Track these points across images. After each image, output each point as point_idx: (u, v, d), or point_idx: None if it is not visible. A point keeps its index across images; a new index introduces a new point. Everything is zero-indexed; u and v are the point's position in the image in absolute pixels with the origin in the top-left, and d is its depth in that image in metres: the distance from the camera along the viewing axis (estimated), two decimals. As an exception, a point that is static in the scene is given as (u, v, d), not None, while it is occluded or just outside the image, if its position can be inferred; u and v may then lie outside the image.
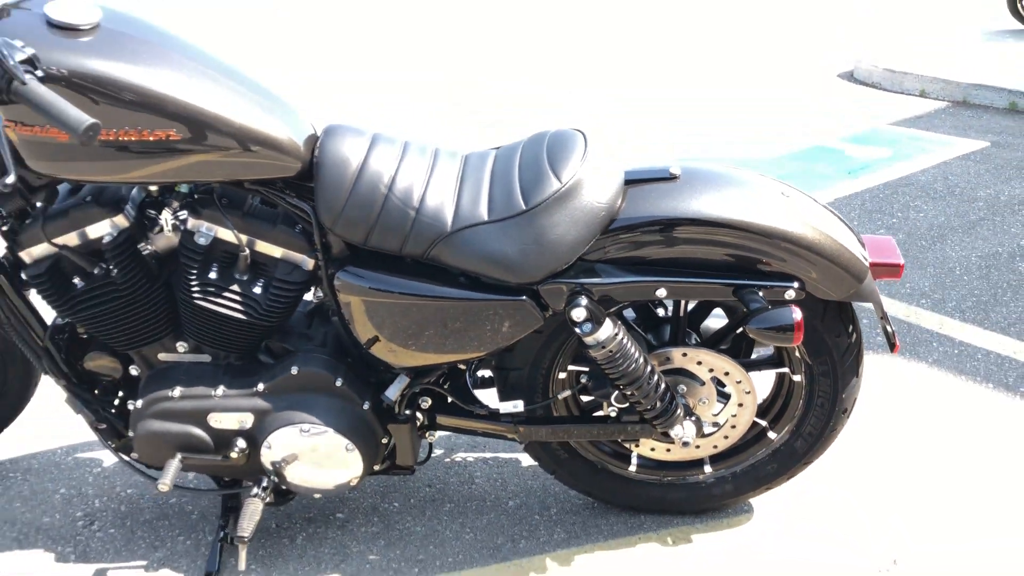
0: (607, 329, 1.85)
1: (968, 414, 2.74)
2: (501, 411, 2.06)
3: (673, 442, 2.08)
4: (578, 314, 1.83)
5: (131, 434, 2.04)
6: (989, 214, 4.31)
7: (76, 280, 1.91)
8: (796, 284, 1.88)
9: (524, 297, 1.85)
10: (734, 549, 2.21)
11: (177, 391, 1.98)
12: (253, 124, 1.75)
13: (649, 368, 1.93)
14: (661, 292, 1.87)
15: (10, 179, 1.55)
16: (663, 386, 1.96)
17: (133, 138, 1.68)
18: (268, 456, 2.00)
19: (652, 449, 2.17)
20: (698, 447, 2.16)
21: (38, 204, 1.88)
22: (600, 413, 2.16)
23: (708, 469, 2.23)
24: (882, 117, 6.05)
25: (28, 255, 1.90)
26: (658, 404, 1.96)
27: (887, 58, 6.99)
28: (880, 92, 6.75)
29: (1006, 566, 2.16)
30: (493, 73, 7.36)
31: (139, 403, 1.99)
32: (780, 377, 2.17)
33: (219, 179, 1.80)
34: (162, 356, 2.03)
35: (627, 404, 2.02)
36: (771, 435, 2.19)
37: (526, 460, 2.53)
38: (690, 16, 10.08)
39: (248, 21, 9.45)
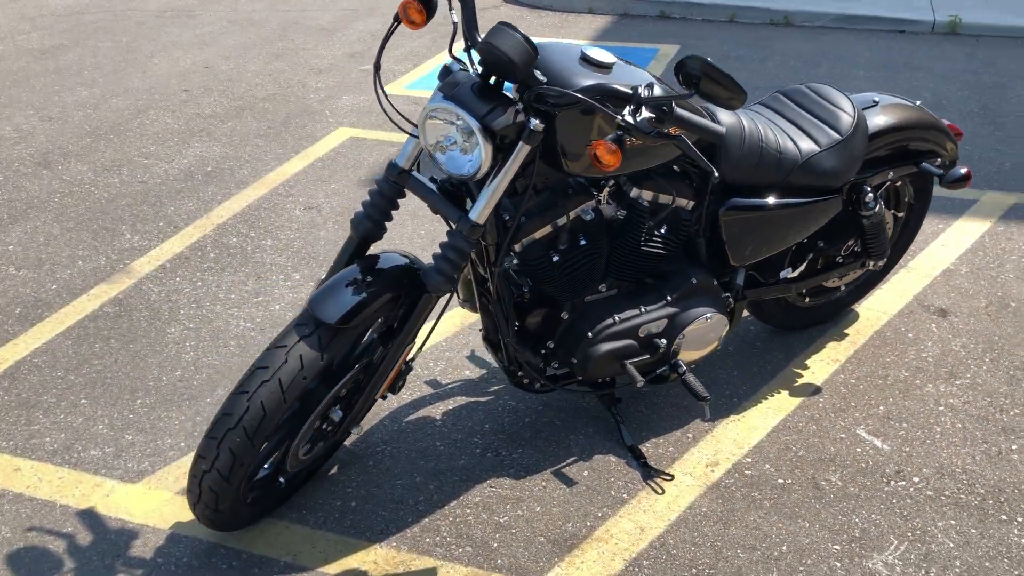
0: (879, 203, 3.00)
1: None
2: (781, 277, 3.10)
3: (864, 269, 3.27)
4: (868, 198, 2.95)
5: (574, 361, 2.71)
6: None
7: (552, 255, 2.56)
8: (940, 155, 3.16)
9: (837, 195, 2.91)
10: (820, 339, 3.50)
11: (616, 318, 2.71)
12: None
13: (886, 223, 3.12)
14: (891, 174, 3.06)
15: (716, 178, 2.23)
16: (887, 233, 3.16)
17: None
18: (678, 344, 2.82)
19: (832, 283, 3.34)
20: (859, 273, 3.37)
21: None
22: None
23: (843, 287, 3.47)
24: (578, 36, 7.37)
25: (520, 245, 2.51)
26: (881, 245, 3.15)
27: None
28: (552, 13, 8.03)
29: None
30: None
31: (588, 335, 2.68)
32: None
33: (664, 160, 2.57)
34: (588, 298, 2.73)
35: (856, 251, 3.18)
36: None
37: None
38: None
39: None
